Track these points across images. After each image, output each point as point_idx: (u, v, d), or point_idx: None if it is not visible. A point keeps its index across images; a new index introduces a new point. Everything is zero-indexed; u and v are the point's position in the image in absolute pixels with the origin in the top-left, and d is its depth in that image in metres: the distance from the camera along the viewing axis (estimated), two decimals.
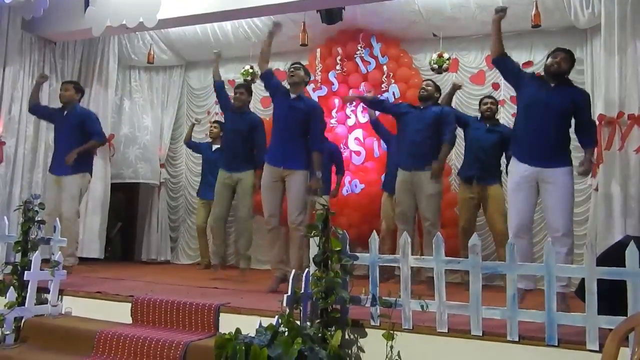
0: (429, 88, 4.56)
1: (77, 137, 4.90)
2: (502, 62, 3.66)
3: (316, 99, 6.02)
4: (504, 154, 4.76)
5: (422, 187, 4.32)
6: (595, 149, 3.88)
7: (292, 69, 4.25)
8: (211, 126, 6.19)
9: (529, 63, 5.39)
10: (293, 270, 3.01)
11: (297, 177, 4.10)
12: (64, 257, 4.82)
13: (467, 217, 4.82)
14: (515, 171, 3.50)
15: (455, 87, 4.98)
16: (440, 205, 4.43)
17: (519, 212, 3.43)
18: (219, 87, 5.16)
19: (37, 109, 5.16)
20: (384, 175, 5.49)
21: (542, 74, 3.60)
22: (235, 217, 5.43)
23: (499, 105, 5.44)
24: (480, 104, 5.03)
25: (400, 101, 5.66)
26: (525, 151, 3.47)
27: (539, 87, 3.51)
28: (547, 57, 3.54)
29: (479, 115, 4.99)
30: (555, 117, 3.40)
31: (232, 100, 5.10)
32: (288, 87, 4.27)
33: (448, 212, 5.52)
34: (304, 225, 4.07)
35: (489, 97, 5.07)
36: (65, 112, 5.01)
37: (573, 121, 3.51)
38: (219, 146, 5.85)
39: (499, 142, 4.70)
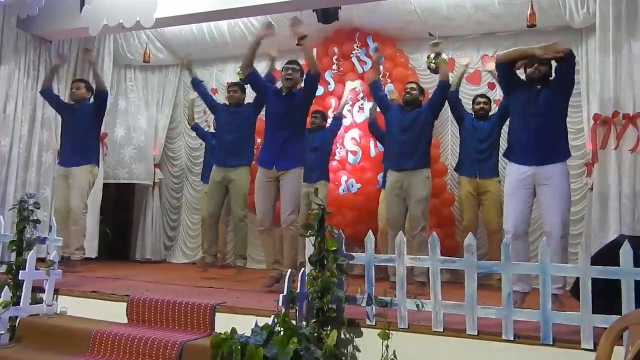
0: (414, 92, 4.58)
1: (88, 128, 5.10)
2: (502, 68, 3.67)
3: None
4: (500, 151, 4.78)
5: (412, 191, 4.35)
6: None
7: (290, 71, 4.22)
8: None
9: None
10: (289, 270, 3.00)
11: (291, 175, 4.08)
12: (73, 250, 4.90)
13: (469, 215, 4.83)
14: (512, 174, 3.52)
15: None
16: (428, 208, 4.48)
17: (515, 214, 3.43)
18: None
19: (48, 94, 5.29)
20: (381, 174, 5.48)
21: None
22: (230, 217, 5.42)
23: (494, 104, 5.46)
24: (473, 103, 5.04)
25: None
26: (520, 152, 3.50)
27: (528, 90, 3.54)
28: (526, 70, 3.59)
29: (472, 114, 5.01)
30: (546, 115, 3.43)
31: (227, 99, 5.09)
32: (281, 85, 4.24)
33: (445, 211, 5.53)
34: (295, 225, 4.09)
35: (482, 96, 5.08)
36: (76, 107, 5.18)
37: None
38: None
39: (493, 132, 4.71)
